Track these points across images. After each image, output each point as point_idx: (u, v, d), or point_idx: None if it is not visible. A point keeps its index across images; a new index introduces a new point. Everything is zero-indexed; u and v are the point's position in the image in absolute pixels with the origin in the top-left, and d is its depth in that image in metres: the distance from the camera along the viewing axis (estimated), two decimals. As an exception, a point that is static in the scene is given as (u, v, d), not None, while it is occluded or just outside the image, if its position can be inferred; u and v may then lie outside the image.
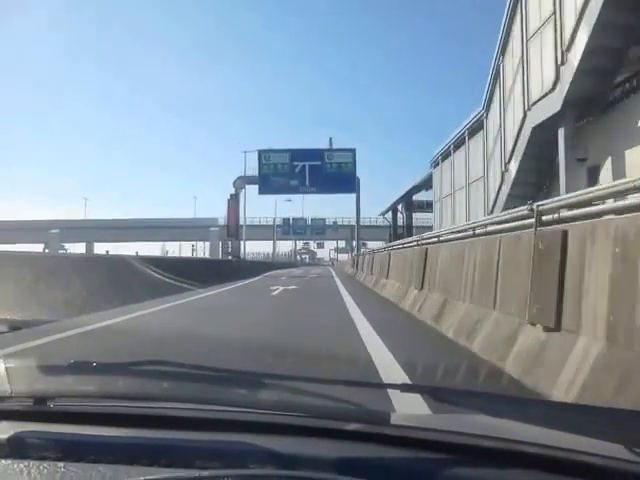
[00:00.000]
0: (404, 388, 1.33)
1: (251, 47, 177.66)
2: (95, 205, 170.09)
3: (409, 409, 1.62)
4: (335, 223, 75.67)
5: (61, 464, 0.91)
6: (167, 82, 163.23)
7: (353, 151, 37.10)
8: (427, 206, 43.10)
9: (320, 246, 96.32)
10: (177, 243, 74.54)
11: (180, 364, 1.37)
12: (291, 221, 74.38)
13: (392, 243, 19.50)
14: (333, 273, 31.14)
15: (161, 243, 65.67)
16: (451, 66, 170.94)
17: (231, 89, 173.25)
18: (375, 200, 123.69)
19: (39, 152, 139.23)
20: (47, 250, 45.23)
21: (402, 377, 3.53)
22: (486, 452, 0.90)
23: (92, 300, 8.38)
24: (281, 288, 15.14)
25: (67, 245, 59.20)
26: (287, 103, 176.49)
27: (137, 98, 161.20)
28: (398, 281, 11.14)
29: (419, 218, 50.84)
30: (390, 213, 55.69)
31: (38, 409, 1.12)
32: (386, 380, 3.28)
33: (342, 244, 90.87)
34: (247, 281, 20.04)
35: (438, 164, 35.03)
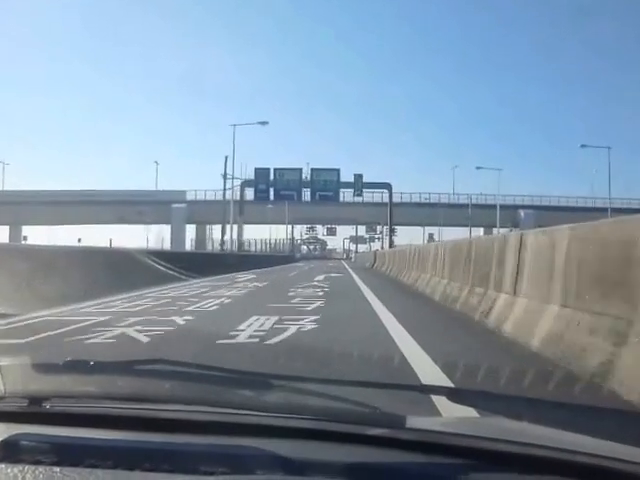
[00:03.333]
0: (421, 389, 1.30)
1: None
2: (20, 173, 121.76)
3: (426, 412, 1.57)
4: (359, 177, 42.92)
5: (57, 469, 0.88)
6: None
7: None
8: None
9: (331, 232, 63.50)
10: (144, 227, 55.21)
11: (183, 363, 1.33)
12: (272, 174, 40.26)
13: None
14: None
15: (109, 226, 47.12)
16: None
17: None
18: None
19: None
20: None
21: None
22: (504, 457, 0.88)
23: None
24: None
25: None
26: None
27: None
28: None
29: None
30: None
31: (33, 410, 1.08)
32: None
33: (362, 230, 60.69)
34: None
35: None
